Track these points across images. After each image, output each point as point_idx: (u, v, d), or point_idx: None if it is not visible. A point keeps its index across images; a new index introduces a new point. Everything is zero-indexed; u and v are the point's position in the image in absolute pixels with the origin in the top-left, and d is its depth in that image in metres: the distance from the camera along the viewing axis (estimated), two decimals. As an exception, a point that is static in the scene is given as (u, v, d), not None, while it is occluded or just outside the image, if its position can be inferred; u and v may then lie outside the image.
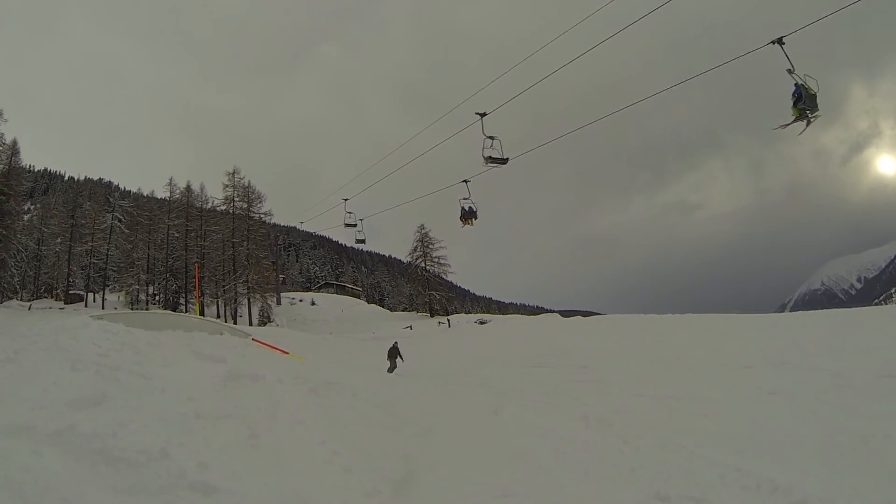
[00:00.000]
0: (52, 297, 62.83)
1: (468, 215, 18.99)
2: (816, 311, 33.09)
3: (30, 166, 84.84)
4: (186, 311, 58.13)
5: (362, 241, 22.91)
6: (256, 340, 14.09)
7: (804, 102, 10.85)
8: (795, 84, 10.88)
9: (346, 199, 21.82)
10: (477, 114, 13.59)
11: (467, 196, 18.29)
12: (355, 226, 22.11)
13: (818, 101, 10.84)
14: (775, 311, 67.99)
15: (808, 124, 11.10)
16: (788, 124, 11.24)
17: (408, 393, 8.71)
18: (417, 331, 51.44)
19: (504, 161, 13.68)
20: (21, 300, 54.92)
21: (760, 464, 5.46)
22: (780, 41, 10.76)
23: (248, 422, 5.60)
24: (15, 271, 54.42)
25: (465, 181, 17.95)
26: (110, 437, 4.42)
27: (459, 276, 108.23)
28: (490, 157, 13.56)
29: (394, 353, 20.11)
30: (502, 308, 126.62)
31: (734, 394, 9.74)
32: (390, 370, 19.40)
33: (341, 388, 7.75)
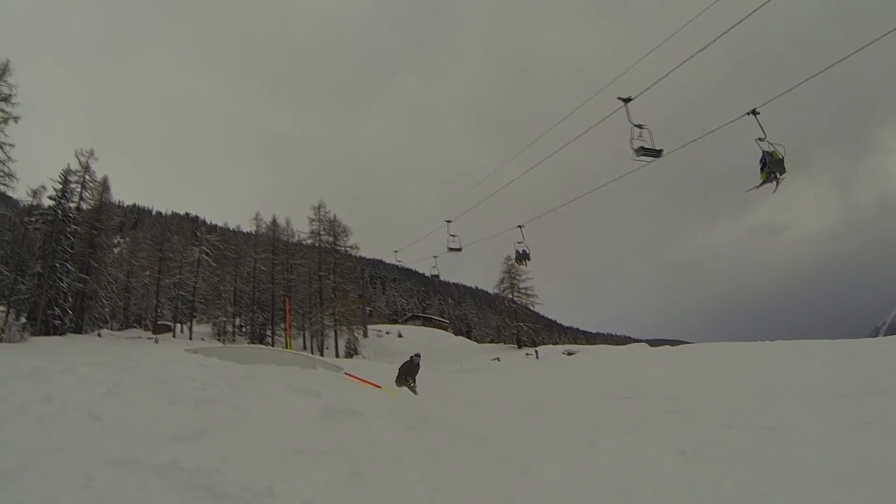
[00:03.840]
0: (140, 328, 65.95)
1: (522, 258, 20.77)
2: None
3: (119, 202, 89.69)
4: (273, 344, 59.79)
5: (457, 250, 23.04)
6: (349, 374, 14.29)
7: (770, 167, 12.72)
8: (763, 151, 12.72)
9: (449, 221, 22.10)
10: (620, 99, 13.17)
11: (521, 240, 19.65)
12: (460, 249, 22.39)
13: (785, 163, 12.74)
14: (869, 335, 64.74)
15: (777, 184, 12.95)
16: (759, 186, 13.05)
17: (503, 427, 8.66)
18: (505, 362, 51.50)
19: (658, 153, 13.20)
20: (111, 330, 57.60)
21: (865, 500, 5.23)
22: (754, 112, 12.26)
23: (349, 458, 5.69)
24: (105, 302, 57.87)
25: (520, 226, 18.99)
26: (214, 472, 4.59)
27: (546, 307, 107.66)
28: (641, 147, 13.15)
29: (411, 370, 18.91)
30: (589, 338, 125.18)
31: (829, 424, 9.36)
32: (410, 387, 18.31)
33: (438, 424, 7.76)
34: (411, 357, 19.44)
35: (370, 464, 5.67)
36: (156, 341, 53.11)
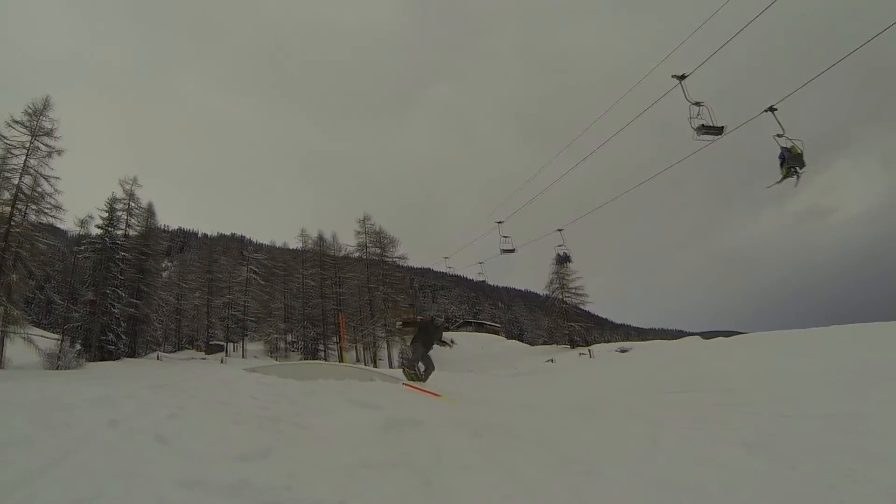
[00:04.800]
0: (193, 349, 67.28)
1: (563, 260, 21.10)
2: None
3: (165, 226, 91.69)
4: (326, 358, 60.58)
5: (511, 251, 23.11)
6: (407, 384, 14.35)
7: (789, 162, 13.07)
8: (781, 147, 13.04)
9: (500, 223, 22.20)
10: (674, 77, 13.10)
11: (562, 243, 19.85)
12: (514, 250, 22.55)
13: (804, 157, 13.01)
14: (925, 314, 63.29)
15: (798, 179, 13.33)
16: (780, 181, 13.49)
17: (565, 429, 8.61)
18: (560, 363, 51.22)
19: (719, 130, 13.15)
20: (164, 352, 59.02)
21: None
22: (771, 109, 12.59)
23: (417, 469, 5.71)
24: (158, 325, 59.39)
25: (559, 230, 19.10)
26: (284, 490, 4.65)
27: (597, 305, 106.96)
28: (702, 125, 13.09)
29: (428, 336, 15.60)
30: (642, 334, 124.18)
31: (889, 409, 9.09)
32: (422, 371, 15.36)
33: (501, 429, 7.74)
34: (432, 317, 17.02)
35: (438, 473, 5.68)
36: (222, 361, 54.31)
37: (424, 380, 15.06)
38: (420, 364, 15.60)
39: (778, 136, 12.91)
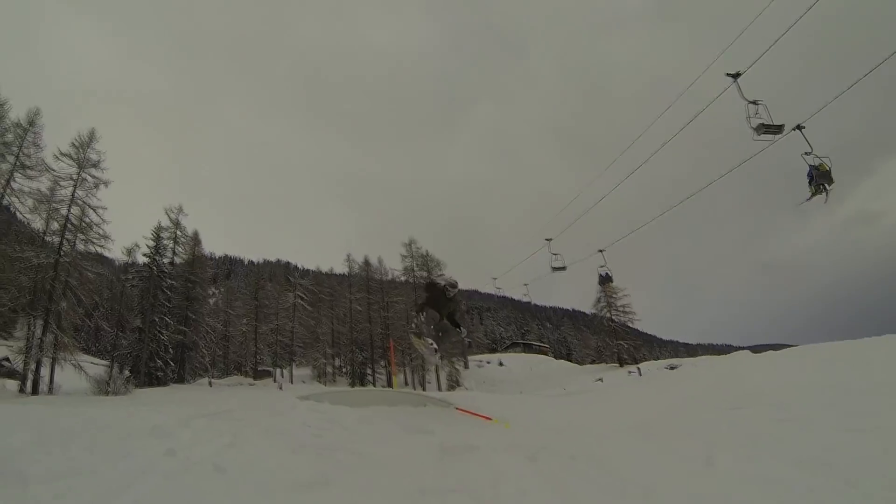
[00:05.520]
0: (241, 374, 67.95)
1: (605, 280, 21.02)
2: None
3: (211, 254, 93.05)
4: (374, 382, 60.90)
5: (561, 269, 23.09)
6: (460, 409, 14.35)
7: (818, 180, 13.26)
8: (809, 165, 13.25)
9: (549, 240, 22.18)
10: (728, 75, 12.98)
11: (603, 264, 19.98)
12: (564, 268, 22.55)
13: (832, 174, 13.16)
14: None
15: (827, 196, 13.41)
16: (809, 199, 13.67)
17: (619, 450, 8.51)
18: (608, 382, 50.88)
19: (779, 129, 12.99)
20: (212, 378, 59.85)
21: None
22: (799, 127, 12.82)
23: (474, 495, 5.70)
24: (206, 352, 60.29)
25: (601, 251, 19.21)
26: (346, 519, 4.66)
27: (644, 322, 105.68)
28: (762, 124, 12.96)
29: (441, 303, 13.01)
30: (690, 350, 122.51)
31: None
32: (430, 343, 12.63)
33: (555, 452, 7.70)
34: (444, 286, 13.21)
35: (496, 499, 5.66)
36: (280, 387, 54.94)
37: (436, 353, 13.08)
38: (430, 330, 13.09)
39: (806, 154, 13.10)
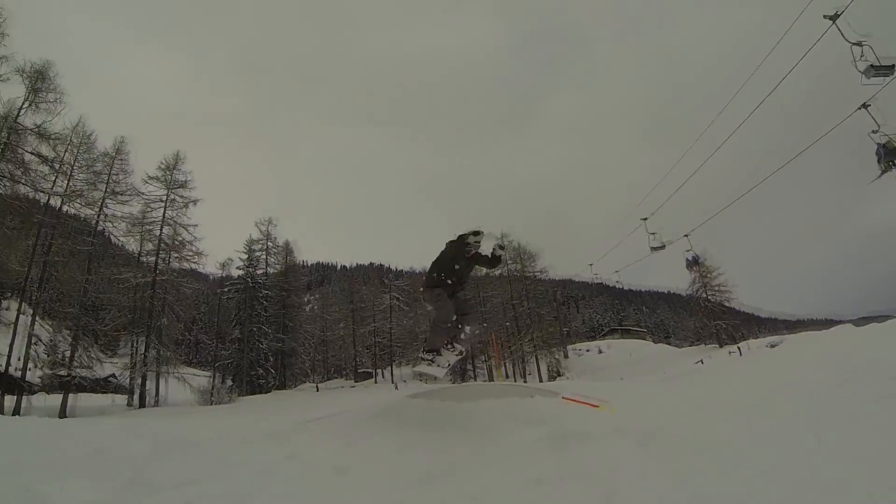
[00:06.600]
0: (342, 378, 69.29)
1: (691, 264, 20.85)
2: None
3: (303, 262, 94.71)
4: (474, 377, 61.37)
5: (660, 248, 22.84)
6: (566, 398, 14.33)
7: (887, 157, 13.15)
8: (876, 143, 13.10)
9: (644, 219, 21.91)
10: (826, 17, 12.41)
11: (689, 248, 19.82)
12: (663, 247, 22.30)
13: None
14: None
15: None
16: (879, 177, 13.67)
17: (730, 431, 8.34)
18: (709, 364, 49.74)
19: (890, 70, 12.43)
20: (311, 382, 61.38)
21: None
22: (864, 106, 12.68)
23: (591, 481, 5.74)
24: (305, 358, 61.73)
25: (686, 235, 18.82)
26: (472, 510, 4.76)
27: (744, 297, 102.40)
28: (871, 66, 12.47)
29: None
30: (790, 326, 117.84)
31: None
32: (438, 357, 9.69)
33: (665, 435, 7.62)
34: (468, 244, 9.58)
35: (614, 484, 5.67)
36: (396, 387, 55.73)
37: (445, 370, 10.26)
38: (439, 340, 9.78)
39: (873, 132, 12.71)
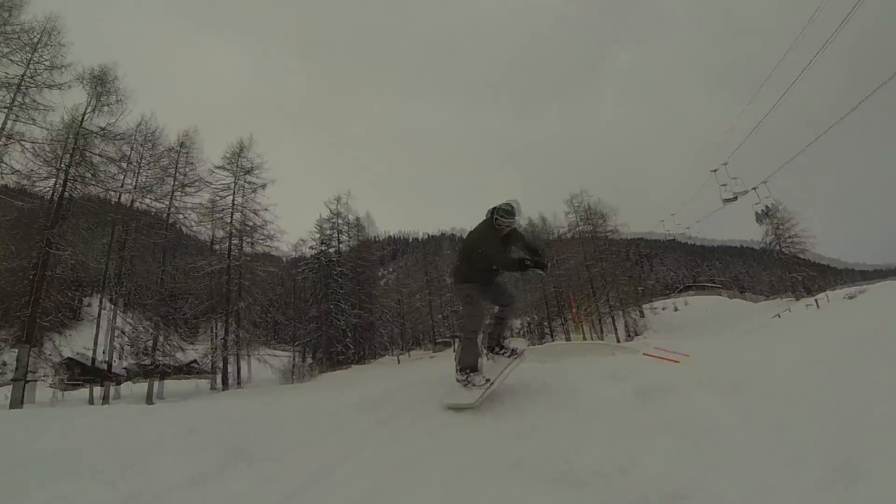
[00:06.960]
0: (421, 348, 70.20)
1: (762, 216, 20.80)
2: None
3: (376, 237, 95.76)
4: (553, 338, 61.85)
5: (732, 199, 22.61)
6: (647, 354, 14.35)
7: None
8: None
9: (715, 171, 21.69)
10: None
11: (758, 201, 19.71)
12: (735, 198, 22.17)
13: None
14: None
15: None
16: None
17: (812, 382, 8.14)
18: (786, 317, 48.88)
19: None
20: (393, 355, 62.59)
21: None
22: None
23: (680, 431, 5.80)
24: (383, 331, 62.76)
25: (754, 188, 18.58)
26: (562, 462, 4.93)
27: (822, 248, 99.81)
28: None
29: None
30: (867, 277, 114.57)
31: None
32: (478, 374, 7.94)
33: (748, 388, 7.57)
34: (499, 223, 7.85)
35: (699, 433, 5.71)
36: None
37: (482, 392, 7.67)
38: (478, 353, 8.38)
39: None
